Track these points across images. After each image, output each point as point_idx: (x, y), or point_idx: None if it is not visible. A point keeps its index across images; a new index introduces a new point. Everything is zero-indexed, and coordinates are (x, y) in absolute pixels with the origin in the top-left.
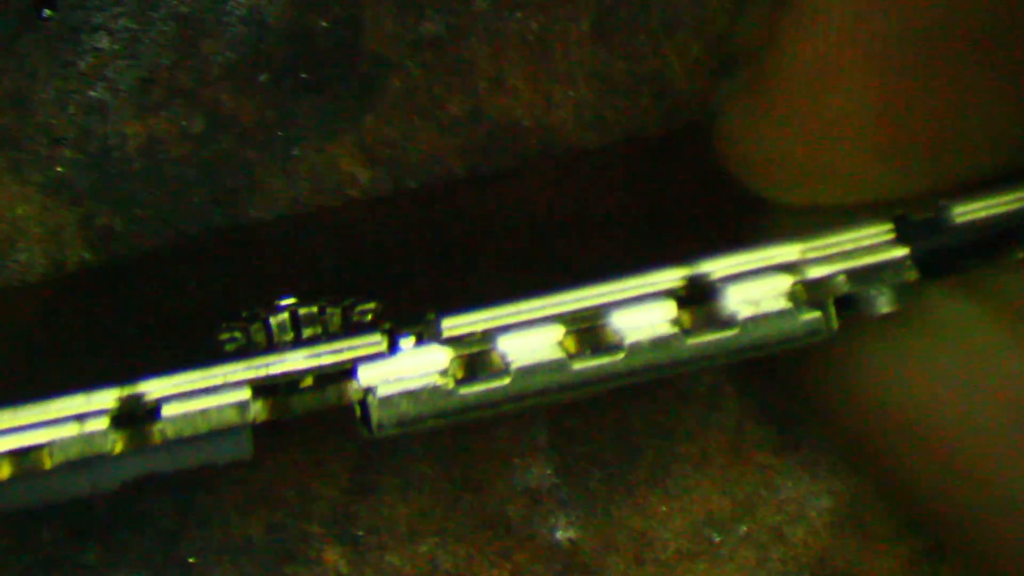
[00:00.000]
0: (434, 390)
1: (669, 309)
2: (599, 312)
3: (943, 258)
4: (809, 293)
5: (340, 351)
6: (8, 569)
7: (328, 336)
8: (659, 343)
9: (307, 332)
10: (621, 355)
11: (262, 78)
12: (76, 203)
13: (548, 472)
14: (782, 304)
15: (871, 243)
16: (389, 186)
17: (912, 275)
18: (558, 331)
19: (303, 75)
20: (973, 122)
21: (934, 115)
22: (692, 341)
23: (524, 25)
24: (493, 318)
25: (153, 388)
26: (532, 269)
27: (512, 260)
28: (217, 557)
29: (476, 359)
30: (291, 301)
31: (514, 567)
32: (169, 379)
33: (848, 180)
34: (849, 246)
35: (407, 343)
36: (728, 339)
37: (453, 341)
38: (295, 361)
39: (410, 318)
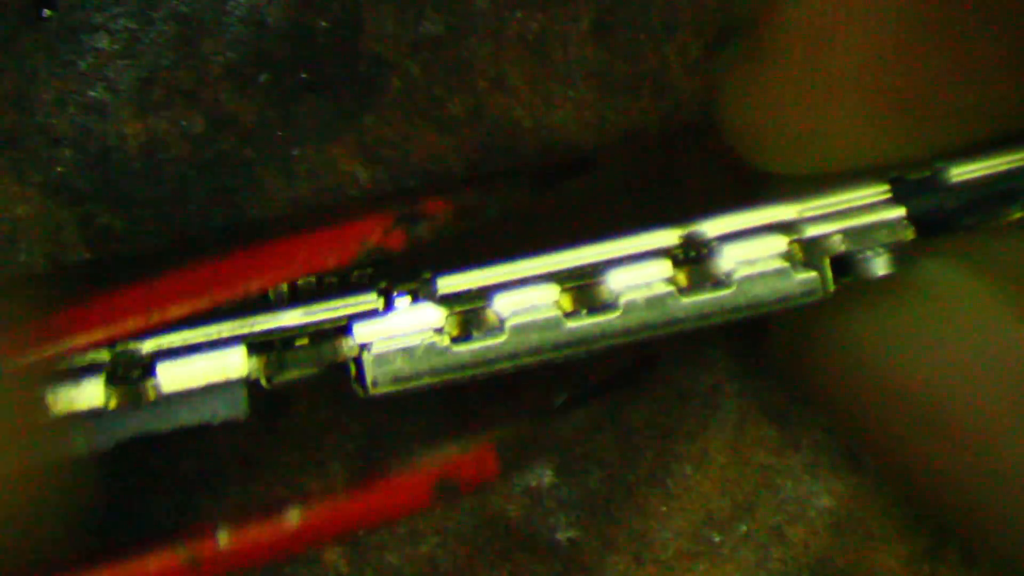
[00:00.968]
0: (429, 347)
1: (665, 268)
2: (595, 271)
3: (939, 218)
4: (805, 253)
5: (335, 308)
6: None
7: (324, 294)
8: (654, 302)
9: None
10: (616, 313)
11: (262, 78)
12: (76, 203)
13: (548, 472)
14: (778, 264)
15: (867, 203)
16: (389, 186)
17: (908, 234)
18: (554, 290)
19: (303, 75)
20: (971, 88)
21: (932, 81)
22: (687, 300)
23: (524, 25)
24: (488, 277)
25: (147, 345)
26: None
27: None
28: None
29: (471, 317)
30: None
31: (514, 567)
32: (164, 336)
33: (847, 146)
34: (845, 206)
35: (402, 301)
36: (723, 298)
37: (449, 299)
38: (290, 317)
39: (406, 277)
